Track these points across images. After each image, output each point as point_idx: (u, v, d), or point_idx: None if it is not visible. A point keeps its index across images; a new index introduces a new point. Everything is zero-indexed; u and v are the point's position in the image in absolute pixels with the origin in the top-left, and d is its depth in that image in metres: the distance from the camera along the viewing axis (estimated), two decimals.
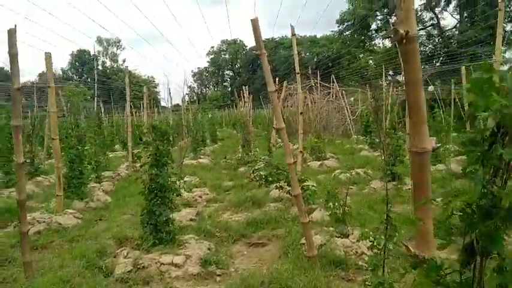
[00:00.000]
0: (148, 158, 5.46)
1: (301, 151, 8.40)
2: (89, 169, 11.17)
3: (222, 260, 5.23)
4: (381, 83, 45.49)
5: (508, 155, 1.52)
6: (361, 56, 52.76)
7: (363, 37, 41.15)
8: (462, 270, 1.75)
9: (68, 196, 8.88)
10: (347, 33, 41.87)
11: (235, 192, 9.71)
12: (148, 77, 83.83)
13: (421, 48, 36.27)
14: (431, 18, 35.60)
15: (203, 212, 7.75)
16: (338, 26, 41.72)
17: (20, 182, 4.82)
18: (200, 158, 16.30)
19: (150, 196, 5.41)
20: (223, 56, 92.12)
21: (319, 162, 12.92)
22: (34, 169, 12.52)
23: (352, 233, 5.44)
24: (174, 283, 4.74)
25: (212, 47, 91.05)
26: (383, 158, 8.52)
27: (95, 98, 20.26)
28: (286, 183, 7.23)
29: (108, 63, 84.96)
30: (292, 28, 7.43)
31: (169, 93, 22.58)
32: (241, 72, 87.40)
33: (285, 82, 12.77)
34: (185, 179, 10.93)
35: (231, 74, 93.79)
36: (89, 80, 73.63)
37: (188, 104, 30.74)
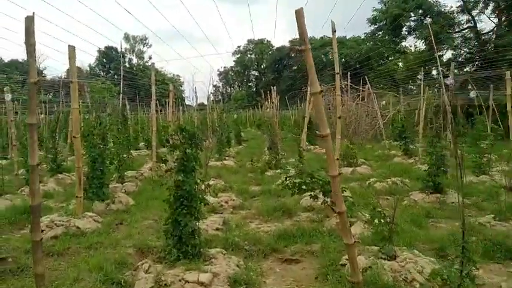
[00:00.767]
0: (174, 162, 4.95)
1: (337, 158, 7.77)
2: (112, 168, 10.81)
3: (252, 279, 4.67)
4: (410, 86, 44.41)
5: None
6: (390, 58, 51.51)
7: (394, 38, 39.98)
8: None
9: (88, 197, 8.49)
10: (379, 33, 40.74)
11: (263, 199, 9.16)
12: (173, 75, 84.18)
13: (455, 52, 34.99)
14: (468, 21, 34.28)
15: (230, 221, 7.21)
16: (369, 26, 40.64)
17: (33, 186, 4.35)
18: (225, 159, 15.82)
19: (175, 204, 4.89)
20: (249, 55, 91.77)
21: (350, 169, 12.24)
22: (56, 166, 12.24)
23: (400, 255, 4.81)
24: None
25: (238, 47, 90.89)
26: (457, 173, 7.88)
27: (120, 94, 19.95)
28: (321, 193, 6.63)
29: (134, 60, 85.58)
30: (333, 24, 6.83)
31: (195, 92, 22.13)
32: (267, 72, 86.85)
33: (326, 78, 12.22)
34: (210, 182, 10.43)
35: (256, 74, 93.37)
36: (115, 76, 74.25)
37: (213, 103, 30.40)
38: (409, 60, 45.19)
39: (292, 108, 41.75)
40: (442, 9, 35.17)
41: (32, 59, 4.33)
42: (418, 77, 50.82)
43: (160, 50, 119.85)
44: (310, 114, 15.88)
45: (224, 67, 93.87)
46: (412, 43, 41.99)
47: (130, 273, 4.79)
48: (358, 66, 51.07)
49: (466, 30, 34.74)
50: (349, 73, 25.48)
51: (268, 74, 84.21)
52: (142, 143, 22.45)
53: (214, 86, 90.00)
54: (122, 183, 10.55)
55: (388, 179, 10.41)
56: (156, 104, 27.42)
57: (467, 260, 3.16)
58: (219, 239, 5.95)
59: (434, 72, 35.63)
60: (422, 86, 14.94)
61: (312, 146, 19.73)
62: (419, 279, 4.40)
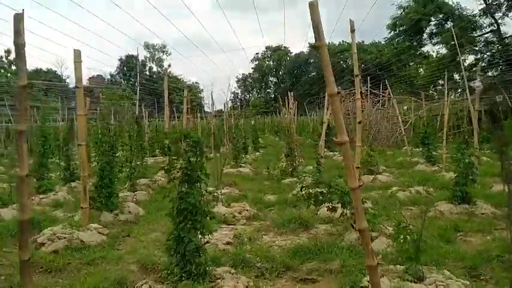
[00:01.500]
0: (177, 172, 4.53)
1: (358, 167, 7.26)
2: (123, 176, 10.49)
3: None
4: (431, 92, 43.39)
5: None
6: (411, 63, 50.54)
7: (415, 43, 39.08)
8: None
9: (97, 207, 8.15)
10: (398, 38, 39.90)
11: (279, 210, 8.68)
12: (192, 82, 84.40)
13: (478, 56, 34.00)
14: (491, 24, 33.20)
15: (242, 234, 6.75)
16: (389, 33, 39.85)
17: (22, 199, 3.95)
18: (241, 166, 15.39)
19: (178, 218, 4.47)
20: (267, 62, 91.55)
21: (371, 177, 11.67)
22: (70, 174, 11.99)
23: (429, 277, 4.28)
24: None
25: (257, 53, 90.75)
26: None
27: (137, 101, 19.78)
28: (340, 205, 6.14)
29: (154, 68, 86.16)
30: (352, 23, 6.35)
31: (212, 97, 21.83)
32: (285, 78, 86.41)
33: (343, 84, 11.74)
34: (224, 190, 10.01)
35: (274, 80, 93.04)
36: (136, 84, 74.79)
37: (231, 109, 30.07)
38: (430, 65, 44.24)
39: (311, 114, 41.27)
40: (464, 13, 34.19)
41: (22, 61, 3.97)
42: (440, 81, 49.86)
43: (179, 58, 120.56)
44: (328, 120, 15.36)
45: (243, 74, 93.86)
46: (435, 48, 41.07)
47: None
48: (377, 71, 50.20)
49: (489, 34, 33.70)
50: (368, 78, 24.84)
51: (286, 80, 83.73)
52: (158, 151, 22.17)
53: (232, 92, 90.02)
54: (134, 192, 10.22)
55: (411, 188, 9.82)
56: (174, 110, 27.28)
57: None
58: (229, 256, 5.50)
59: (456, 76, 34.70)
60: (446, 90, 14.27)
61: (331, 153, 19.16)
62: None
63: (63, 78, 76.62)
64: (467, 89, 14.71)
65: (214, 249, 5.84)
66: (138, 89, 20.33)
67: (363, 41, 66.92)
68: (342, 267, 5.15)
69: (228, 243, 6.11)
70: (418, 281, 4.20)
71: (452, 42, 30.59)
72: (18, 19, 3.95)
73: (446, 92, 14.21)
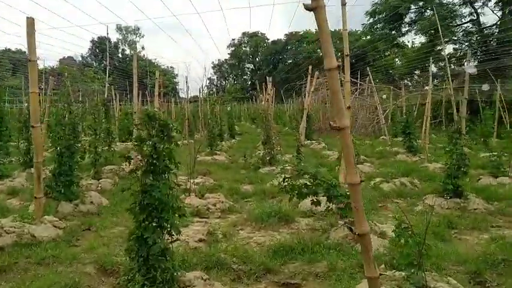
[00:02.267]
0: (141, 161, 3.81)
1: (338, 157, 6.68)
2: (87, 163, 9.67)
3: None
4: (406, 81, 43.33)
5: None
6: (387, 53, 50.32)
7: (393, 32, 38.72)
8: None
9: (54, 197, 7.34)
10: (378, 26, 39.44)
11: (257, 201, 8.05)
12: (167, 67, 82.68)
13: (457, 46, 33.89)
14: (471, 14, 33.05)
15: (217, 229, 6.07)
16: (368, 20, 39.30)
17: None
18: (216, 154, 14.67)
19: (141, 216, 3.75)
20: (244, 48, 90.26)
21: None
22: (30, 159, 11.04)
23: (433, 286, 3.70)
24: None
25: (233, 39, 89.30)
26: None
27: (106, 82, 18.71)
28: (327, 198, 5.53)
29: (127, 51, 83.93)
30: None
31: (186, 81, 20.91)
32: (262, 65, 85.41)
33: (316, 73, 11.08)
34: (197, 179, 9.31)
35: (251, 67, 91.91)
36: (105, 63, 72.63)
37: (207, 95, 29.18)
38: (407, 55, 44.08)
39: (288, 102, 40.68)
40: (444, 1, 33.86)
41: None
42: (416, 72, 49.89)
43: (153, 42, 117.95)
44: (308, 107, 14.77)
45: (219, 59, 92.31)
46: (411, 39, 40.87)
47: None
48: (354, 61, 49.77)
49: (468, 24, 33.58)
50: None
51: (263, 67, 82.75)
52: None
53: (208, 78, 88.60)
54: (98, 180, 9.39)
55: (396, 179, 9.32)
56: (146, 94, 26.20)
57: None
58: (201, 256, 4.81)
59: (433, 67, 34.59)
60: (430, 76, 13.82)
61: (308, 141, 18.61)
62: None
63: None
64: (449, 78, 14.32)
65: (185, 247, 5.17)
66: (107, 68, 19.17)
67: (339, 29, 66.52)
68: (329, 270, 4.55)
69: (200, 240, 5.43)
70: None
71: (432, 31, 30.44)
72: None
73: (430, 79, 13.75)
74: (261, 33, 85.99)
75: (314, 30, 70.92)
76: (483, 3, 31.69)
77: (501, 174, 9.18)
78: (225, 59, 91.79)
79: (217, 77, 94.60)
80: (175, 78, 79.29)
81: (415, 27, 36.21)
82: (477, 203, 7.09)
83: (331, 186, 5.48)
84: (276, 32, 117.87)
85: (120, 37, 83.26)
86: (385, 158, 14.09)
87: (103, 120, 11.50)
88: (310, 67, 10.49)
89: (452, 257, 4.77)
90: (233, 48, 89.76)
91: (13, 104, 35.17)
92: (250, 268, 4.61)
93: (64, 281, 4.14)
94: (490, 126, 15.96)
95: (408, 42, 46.66)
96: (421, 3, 34.80)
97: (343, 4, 5.78)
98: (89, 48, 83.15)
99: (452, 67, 30.63)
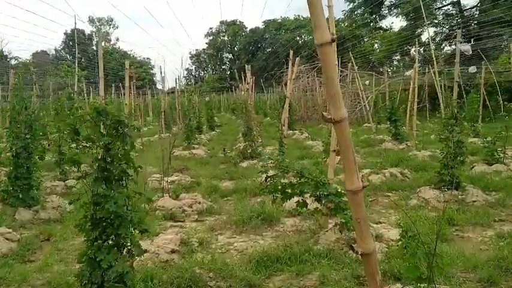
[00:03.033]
0: (90, 166, 3.13)
1: (334, 150, 6.04)
2: (52, 162, 8.90)
3: None
4: (385, 67, 43.06)
5: None
6: (366, 39, 49.89)
7: (374, 16, 38.19)
8: None
9: (11, 203, 6.58)
10: (358, 11, 38.87)
11: (237, 200, 7.38)
12: (144, 58, 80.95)
13: (438, 29, 33.52)
14: None
15: (192, 235, 5.40)
16: (348, 4, 38.71)
17: None
18: (194, 147, 13.94)
19: (93, 233, 3.07)
20: (222, 37, 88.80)
21: (338, 158, 10.52)
22: None
23: None
24: None
25: (211, 28, 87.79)
26: None
27: (75, 76, 17.75)
28: (315, 198, 4.90)
29: (102, 43, 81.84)
30: None
31: (161, 72, 20.02)
32: (240, 54, 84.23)
33: (298, 59, 10.43)
34: (172, 177, 8.61)
35: (230, 57, 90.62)
36: (82, 60, 70.71)
37: (185, 86, 28.26)
38: (387, 39, 43.66)
39: (268, 91, 40.02)
40: None
41: None
42: (395, 57, 49.58)
43: (128, 34, 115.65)
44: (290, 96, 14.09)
45: (196, 49, 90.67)
46: (389, 23, 40.44)
47: None
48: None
49: (448, 7, 33.26)
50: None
51: (242, 56, 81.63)
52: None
53: (186, 69, 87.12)
54: (64, 181, 8.61)
55: (385, 170, 8.78)
56: (120, 87, 25.20)
57: None
58: (172, 272, 4.14)
59: (412, 51, 34.22)
60: (417, 59, 13.28)
61: (290, 131, 18.00)
62: None
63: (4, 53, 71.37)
64: (435, 61, 13.80)
65: (154, 261, 4.49)
66: (76, 61, 18.19)
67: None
68: (321, 283, 3.94)
69: (173, 251, 4.75)
70: None
71: (412, 14, 30.03)
72: None
73: (416, 61, 13.20)
74: (239, 21, 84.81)
75: (292, 17, 70.41)
76: None
77: (495, 161, 8.70)
78: (203, 49, 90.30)
79: (195, 68, 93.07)
80: (152, 69, 77.74)
81: (396, 11, 35.76)
82: (475, 194, 6.55)
83: (320, 184, 4.85)
84: (254, 21, 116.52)
85: (94, 29, 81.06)
86: (371, 147, 13.60)
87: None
88: (291, 52, 9.78)
89: (459, 262, 4.19)
90: (211, 38, 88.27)
91: None
92: (229, 285, 3.96)
93: None
94: (476, 110, 15.55)
95: (387, 26, 46.27)
96: None
97: None
98: (63, 41, 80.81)
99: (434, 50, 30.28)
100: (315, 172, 5.20)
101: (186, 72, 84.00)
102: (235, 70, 27.64)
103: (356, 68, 20.46)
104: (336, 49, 6.25)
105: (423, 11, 14.11)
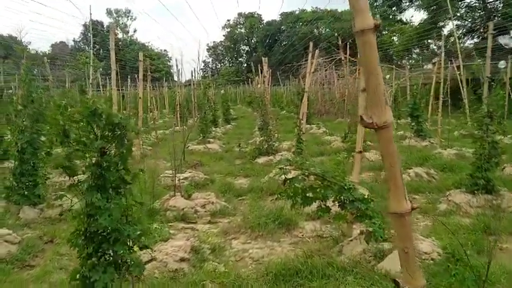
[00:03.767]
0: (84, 172, 2.72)
1: (360, 151, 5.53)
2: (62, 157, 8.53)
3: None
4: (404, 61, 42.04)
5: None
6: (384, 32, 48.84)
7: (394, 8, 37.24)
8: None
9: (15, 200, 6.26)
10: (377, 3, 37.95)
11: (253, 200, 6.96)
12: (161, 50, 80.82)
13: (460, 22, 32.45)
14: None
15: (204, 241, 4.99)
16: None
17: None
18: (209, 142, 13.56)
19: (86, 250, 2.67)
20: (239, 30, 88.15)
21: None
22: (3, 151, 9.93)
23: None
24: None
25: (228, 21, 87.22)
26: None
27: (90, 67, 17.47)
28: (338, 203, 4.45)
29: (120, 34, 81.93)
30: None
31: (176, 64, 19.62)
32: (257, 47, 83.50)
33: (317, 51, 9.93)
34: (186, 174, 8.22)
35: (246, 49, 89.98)
36: (101, 51, 70.85)
37: (201, 79, 27.86)
38: (406, 33, 42.61)
39: (284, 84, 39.46)
40: None
41: None
42: (414, 51, 48.45)
43: (146, 26, 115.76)
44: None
45: (214, 42, 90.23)
46: (409, 17, 39.41)
47: None
48: (351, 40, 48.26)
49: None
50: (348, 44, 23.08)
51: (259, 49, 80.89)
52: None
53: (203, 61, 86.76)
54: (73, 176, 8.26)
55: (409, 169, 8.26)
56: (135, 78, 24.87)
57: None
58: (181, 285, 3.74)
59: (435, 44, 33.36)
60: (443, 51, 12.61)
61: (308, 126, 17.49)
62: None
63: (24, 44, 71.89)
64: (459, 54, 13.15)
65: (161, 271, 4.09)
66: (91, 52, 17.94)
67: (336, 9, 65.06)
68: None
69: (182, 259, 4.34)
70: None
71: (433, 7, 29.09)
72: None
73: (442, 55, 12.55)
74: (257, 14, 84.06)
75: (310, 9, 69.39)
76: None
77: None
78: (220, 41, 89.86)
79: (212, 60, 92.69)
80: (169, 61, 77.57)
81: (416, 3, 34.73)
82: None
83: (344, 188, 4.39)
84: (271, 13, 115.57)
85: (112, 21, 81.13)
86: None
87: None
88: (311, 44, 9.28)
89: (503, 279, 3.69)
90: (228, 30, 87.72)
91: None
92: None
93: None
94: (502, 107, 14.81)
95: (406, 20, 45.27)
96: None
97: None
98: (81, 32, 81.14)
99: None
100: (337, 173, 4.73)
101: (203, 64, 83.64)
102: (252, 63, 27.10)
103: None
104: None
105: (448, 2, 13.35)
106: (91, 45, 19.45)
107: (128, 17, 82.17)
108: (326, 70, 26.67)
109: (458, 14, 31.94)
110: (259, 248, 4.98)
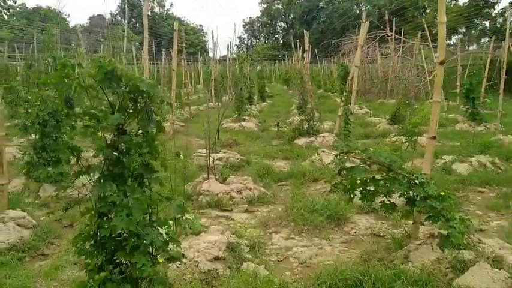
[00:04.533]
0: (95, 156, 2.05)
1: (434, 137, 4.62)
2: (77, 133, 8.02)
3: None
4: (454, 39, 39.83)
5: None
6: (428, 10, 46.55)
7: None
8: None
9: (36, 177, 5.76)
10: None
11: (295, 186, 6.24)
12: (197, 25, 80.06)
13: None
14: None
15: (241, 235, 4.31)
16: None
17: None
18: (244, 120, 12.84)
19: (96, 259, 2.02)
20: (276, 5, 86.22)
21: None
22: (31, 123, 9.53)
23: None
24: None
25: None
26: None
27: (124, 38, 16.95)
28: (406, 200, 3.68)
29: (156, 9, 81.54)
30: None
31: (213, 38, 18.84)
32: (295, 24, 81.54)
33: (367, 23, 9.02)
34: (220, 154, 7.55)
35: (283, 25, 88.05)
36: (138, 25, 70.76)
37: (236, 54, 27.04)
38: (451, 10, 40.35)
39: (321, 62, 38.19)
40: None
41: None
42: (460, 30, 45.98)
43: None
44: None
45: (250, 17, 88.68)
46: None
47: None
48: (392, 17, 46.11)
49: None
50: (394, 20, 21.74)
51: (296, 26, 78.93)
52: None
53: (239, 37, 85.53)
54: None
55: (471, 158, 7.32)
56: (170, 53, 24.31)
57: None
58: None
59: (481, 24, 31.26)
60: (508, 29, 11.34)
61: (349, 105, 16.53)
62: None
63: (63, 16, 72.55)
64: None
65: (192, 272, 3.44)
66: (125, 26, 17.40)
67: None
68: None
69: (216, 258, 3.68)
70: None
71: None
72: None
73: (507, 31, 11.29)
74: None
75: None
76: None
77: None
78: (257, 17, 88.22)
79: (248, 36, 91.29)
80: (204, 36, 76.72)
81: None
82: None
83: (416, 183, 3.61)
84: None
85: None
86: (443, 127, 11.95)
87: None
88: (363, 14, 8.35)
89: None
90: (265, 5, 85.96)
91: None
92: None
93: None
94: None
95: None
96: None
97: None
98: (118, 5, 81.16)
99: None
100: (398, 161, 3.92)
101: (238, 40, 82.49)
102: (292, 37, 26.06)
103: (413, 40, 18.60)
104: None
105: None
106: (126, 15, 18.85)
107: None
108: (368, 47, 25.32)
109: None
110: (304, 246, 4.28)
